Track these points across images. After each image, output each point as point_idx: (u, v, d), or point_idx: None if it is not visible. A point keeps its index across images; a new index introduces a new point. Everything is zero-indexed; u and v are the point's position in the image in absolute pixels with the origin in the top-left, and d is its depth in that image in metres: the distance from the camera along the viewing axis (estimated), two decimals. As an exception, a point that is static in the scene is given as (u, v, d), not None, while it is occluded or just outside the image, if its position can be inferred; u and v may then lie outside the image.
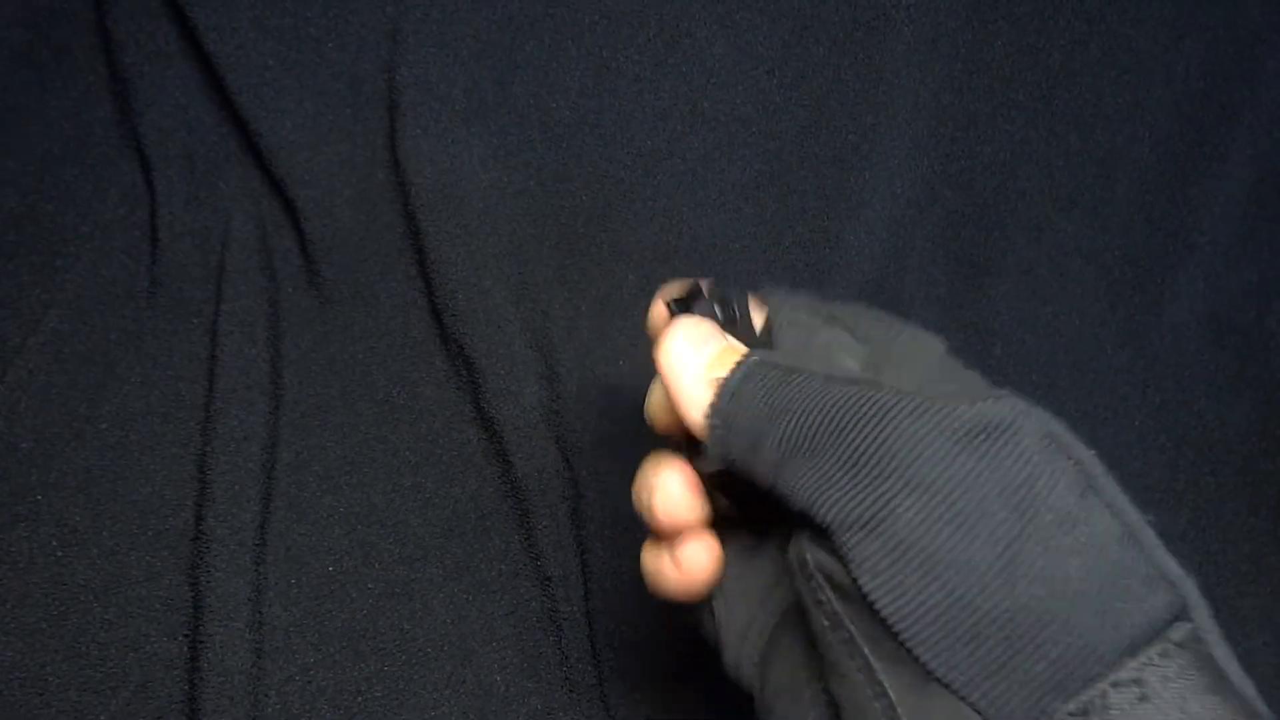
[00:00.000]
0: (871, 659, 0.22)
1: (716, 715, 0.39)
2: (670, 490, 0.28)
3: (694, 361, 0.27)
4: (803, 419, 0.24)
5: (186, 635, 0.39)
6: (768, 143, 0.49)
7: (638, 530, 0.42)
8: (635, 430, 0.44)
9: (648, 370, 0.45)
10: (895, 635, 0.22)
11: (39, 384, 0.43)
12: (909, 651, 0.21)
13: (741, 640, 0.29)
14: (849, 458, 0.23)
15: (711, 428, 0.26)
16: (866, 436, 0.23)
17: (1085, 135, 0.51)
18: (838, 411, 0.23)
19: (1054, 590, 0.21)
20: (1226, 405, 0.50)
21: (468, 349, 0.44)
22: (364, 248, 0.46)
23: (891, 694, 0.22)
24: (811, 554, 0.24)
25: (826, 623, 0.24)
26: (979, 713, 0.21)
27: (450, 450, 0.44)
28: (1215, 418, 0.50)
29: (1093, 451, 0.23)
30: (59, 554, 0.40)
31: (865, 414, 0.23)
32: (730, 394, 0.25)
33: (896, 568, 0.22)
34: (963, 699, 0.21)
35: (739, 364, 0.26)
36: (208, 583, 0.39)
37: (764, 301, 0.30)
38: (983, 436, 0.22)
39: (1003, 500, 0.21)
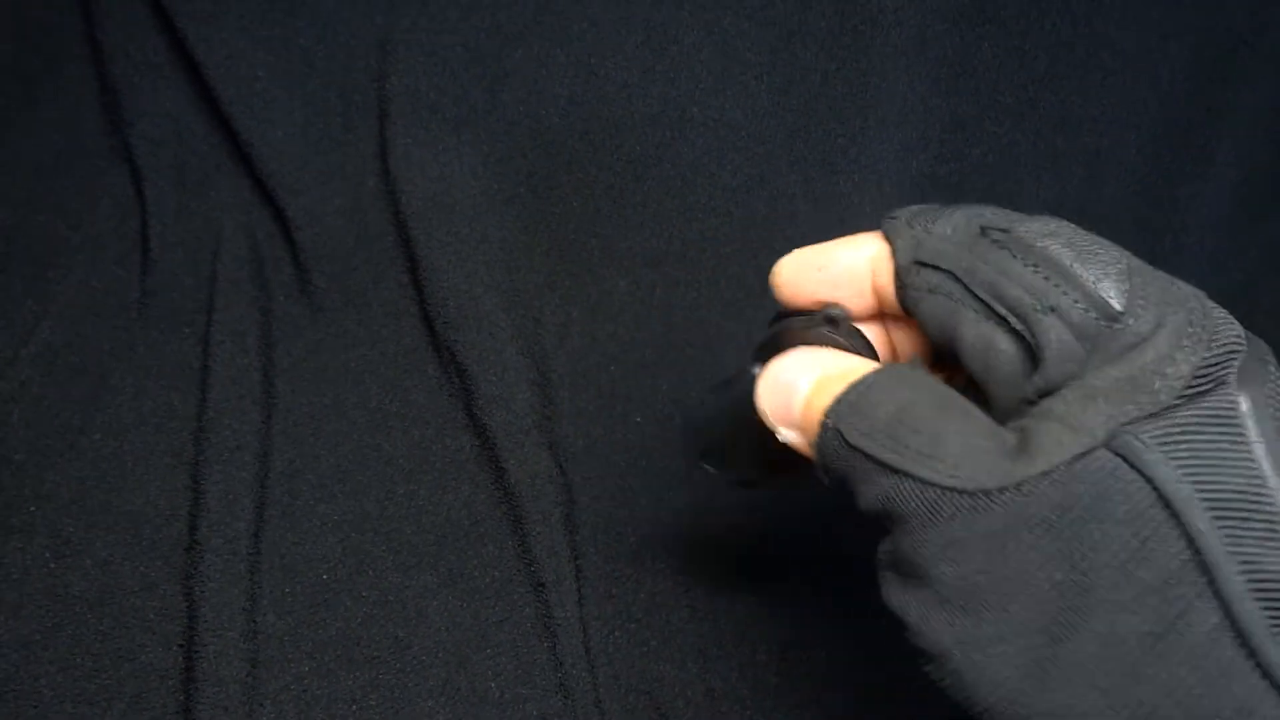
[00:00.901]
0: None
1: (709, 719, 0.39)
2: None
3: (780, 392, 0.26)
4: (889, 497, 0.23)
5: (181, 645, 0.39)
6: (757, 147, 0.49)
7: (631, 535, 0.43)
8: (627, 436, 0.45)
9: (640, 378, 0.45)
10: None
11: (31, 395, 0.43)
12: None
13: None
14: (936, 554, 0.22)
15: (819, 455, 0.25)
16: (957, 546, 0.21)
17: (1072, 138, 0.51)
18: (904, 503, 0.22)
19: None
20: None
21: (459, 356, 0.44)
22: (355, 256, 0.46)
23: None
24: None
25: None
26: None
27: (443, 457, 0.44)
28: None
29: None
30: (53, 565, 0.40)
31: (926, 515, 0.22)
32: (827, 441, 0.24)
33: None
34: None
35: (838, 401, 0.24)
36: (202, 592, 0.39)
37: (896, 236, 0.27)
38: (1061, 526, 0.20)
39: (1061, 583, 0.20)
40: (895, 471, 0.22)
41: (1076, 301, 0.23)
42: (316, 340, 0.45)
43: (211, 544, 0.40)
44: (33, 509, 0.41)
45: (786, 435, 0.26)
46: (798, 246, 0.51)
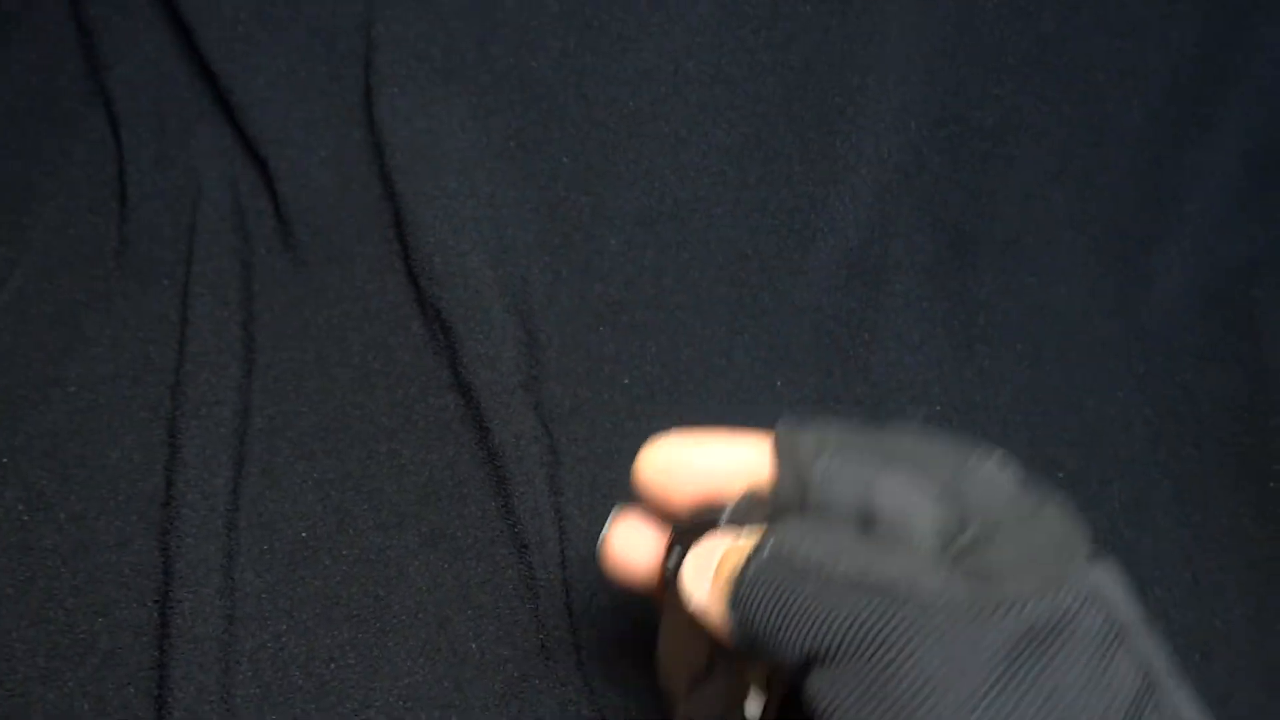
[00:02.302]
0: None
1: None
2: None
3: (702, 570, 0.25)
4: (820, 632, 0.21)
5: (156, 601, 0.39)
6: (753, 105, 0.48)
7: (615, 497, 0.42)
8: (614, 398, 0.44)
9: (629, 339, 0.45)
10: None
11: (4, 345, 0.42)
12: None
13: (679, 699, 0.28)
14: (873, 683, 0.20)
15: (733, 631, 0.24)
16: (892, 662, 0.20)
17: (1076, 102, 0.50)
18: (858, 630, 0.21)
19: None
20: (1212, 378, 0.50)
21: (445, 313, 0.43)
22: (339, 209, 0.46)
23: None
24: None
25: None
26: None
27: (427, 416, 0.43)
28: (1200, 390, 0.50)
29: (1163, 648, 0.21)
30: (25, 518, 0.39)
31: (888, 637, 0.20)
32: (740, 601, 0.23)
33: None
34: None
35: (748, 560, 0.23)
36: (178, 548, 0.39)
37: (793, 442, 0.26)
38: (1030, 649, 0.20)
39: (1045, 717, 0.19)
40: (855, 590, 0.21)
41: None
42: (298, 295, 0.44)
43: (188, 499, 0.39)
44: (4, 461, 0.40)
45: (700, 600, 0.25)
46: (792, 209, 0.50)
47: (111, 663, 0.38)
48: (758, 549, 0.24)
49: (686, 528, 0.27)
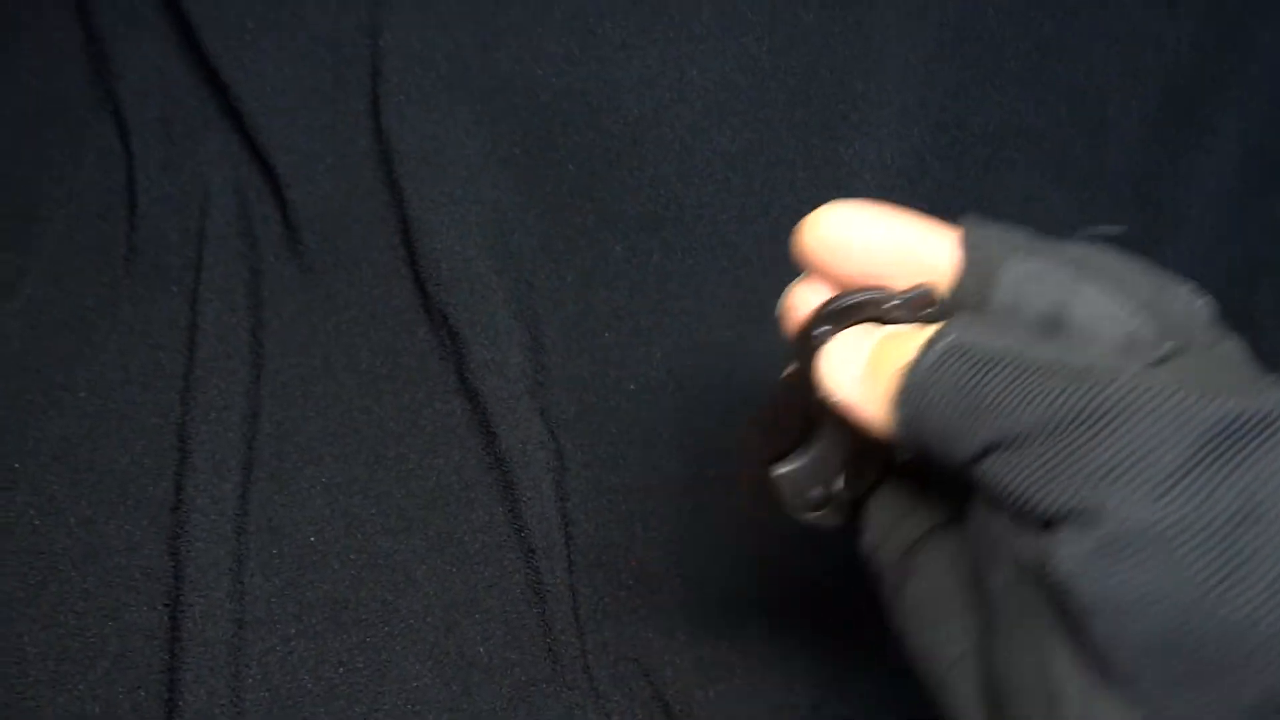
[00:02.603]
0: (1046, 645, 0.20)
1: (698, 687, 0.39)
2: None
3: (848, 359, 0.24)
4: (1010, 418, 0.20)
5: (166, 605, 0.39)
6: (756, 111, 0.48)
7: (622, 503, 0.42)
8: (620, 403, 0.44)
9: (634, 344, 0.45)
10: (1084, 628, 0.20)
11: (15, 351, 0.42)
12: (1095, 648, 0.20)
13: (886, 533, 0.27)
14: (1066, 459, 0.20)
15: (896, 424, 0.23)
16: (1090, 437, 0.20)
17: (1075, 106, 0.50)
18: (1055, 409, 0.20)
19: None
20: (1212, 380, 0.50)
21: (451, 319, 0.44)
22: (346, 215, 0.46)
23: (1065, 686, 0.20)
24: (1004, 531, 0.21)
25: (1009, 594, 0.22)
26: None
27: (434, 421, 0.43)
28: (1200, 392, 0.50)
29: None
30: (36, 523, 0.40)
31: (1089, 413, 0.20)
32: (916, 387, 0.22)
33: (1104, 565, 0.19)
34: (1145, 712, 0.19)
35: (929, 345, 0.22)
36: (188, 552, 0.39)
37: (983, 238, 0.25)
38: (1233, 440, 0.19)
39: (1239, 509, 0.19)
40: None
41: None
42: (306, 301, 0.45)
43: (198, 504, 0.39)
44: (16, 465, 0.40)
45: (849, 391, 0.24)
46: (796, 214, 0.50)
47: (122, 666, 0.38)
48: (933, 340, 0.22)
49: (838, 308, 0.26)
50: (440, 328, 0.44)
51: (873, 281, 0.26)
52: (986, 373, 0.21)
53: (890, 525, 0.27)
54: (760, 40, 0.48)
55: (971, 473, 0.22)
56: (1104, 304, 0.23)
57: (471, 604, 0.40)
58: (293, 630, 0.39)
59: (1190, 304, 0.24)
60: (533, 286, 0.45)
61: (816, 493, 0.28)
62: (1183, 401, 0.19)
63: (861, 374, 0.24)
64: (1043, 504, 0.20)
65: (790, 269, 0.48)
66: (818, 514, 0.28)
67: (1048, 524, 0.20)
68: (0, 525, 0.39)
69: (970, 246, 0.25)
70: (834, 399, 0.24)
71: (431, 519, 0.42)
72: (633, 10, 0.47)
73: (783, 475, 0.28)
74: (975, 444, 0.21)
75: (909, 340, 0.23)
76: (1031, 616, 0.21)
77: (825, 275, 0.27)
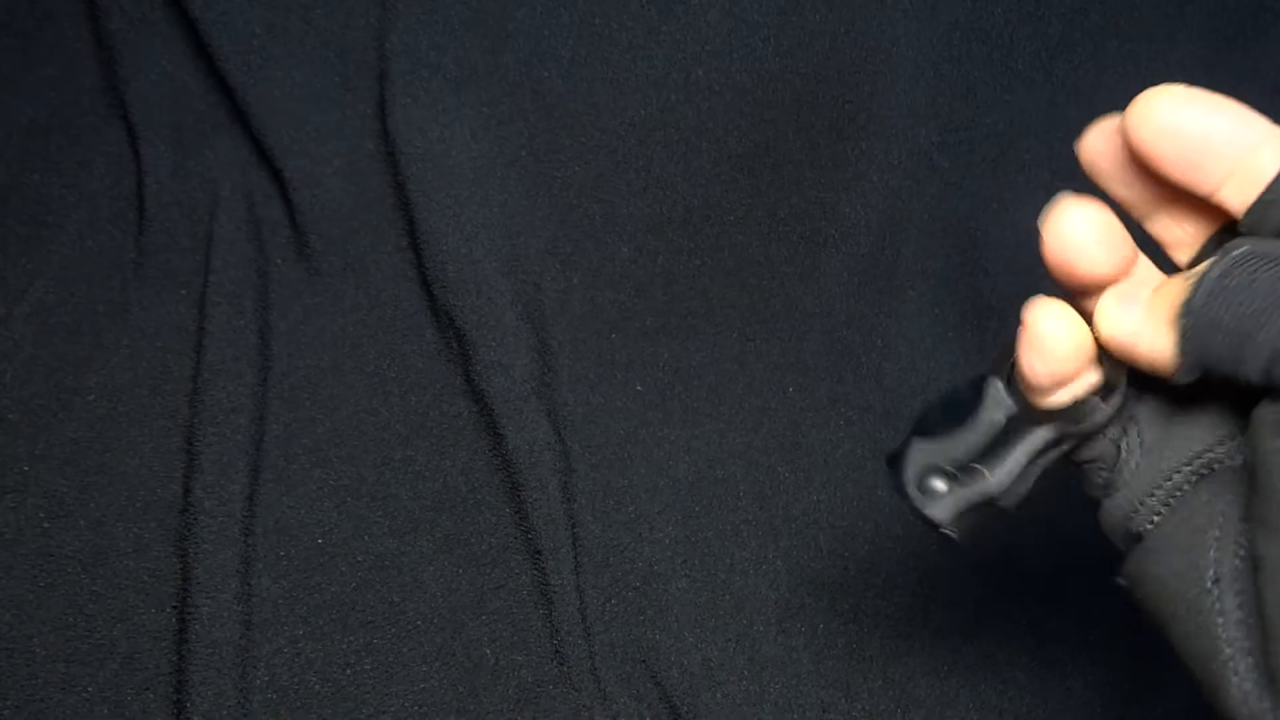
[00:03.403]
0: None
1: (706, 688, 0.39)
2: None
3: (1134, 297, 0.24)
4: None
5: (175, 607, 0.39)
6: (764, 112, 0.48)
7: (629, 504, 0.42)
8: (627, 404, 0.44)
9: (641, 345, 0.45)
10: None
11: (25, 355, 0.42)
12: None
13: (1149, 484, 0.25)
14: None
15: (1183, 330, 0.22)
16: None
17: (1084, 106, 0.50)
18: None
19: None
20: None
21: (458, 321, 0.44)
22: (353, 218, 0.46)
23: None
24: None
25: None
26: None
27: (441, 423, 0.43)
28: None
29: None
30: (46, 525, 0.40)
31: None
32: (1210, 291, 0.22)
33: None
34: None
35: (1221, 256, 0.22)
36: (196, 554, 0.39)
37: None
38: None
39: None
40: None
41: None
42: (313, 303, 0.45)
43: (205, 506, 0.40)
44: (26, 468, 0.41)
45: (1131, 325, 0.24)
46: (803, 216, 0.50)
47: (130, 667, 0.38)
48: (1225, 253, 0.22)
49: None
50: (447, 329, 0.44)
51: (1190, 178, 0.24)
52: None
53: (1148, 454, 0.26)
54: (767, 41, 0.48)
55: (1270, 380, 0.21)
56: None
57: (478, 605, 0.40)
58: (300, 632, 0.39)
59: None
60: (540, 288, 0.45)
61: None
62: None
63: (1143, 310, 0.24)
64: None
65: (796, 268, 0.47)
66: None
67: None
68: (11, 528, 0.40)
69: None
70: (1114, 340, 0.24)
71: (438, 520, 0.42)
72: (639, 12, 0.48)
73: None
74: (1268, 347, 0.21)
75: (1186, 278, 0.22)
76: None
77: (1141, 168, 0.25)
